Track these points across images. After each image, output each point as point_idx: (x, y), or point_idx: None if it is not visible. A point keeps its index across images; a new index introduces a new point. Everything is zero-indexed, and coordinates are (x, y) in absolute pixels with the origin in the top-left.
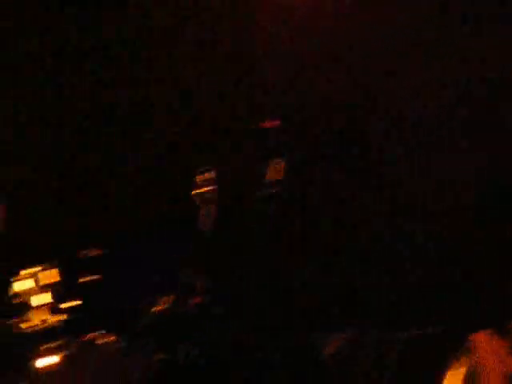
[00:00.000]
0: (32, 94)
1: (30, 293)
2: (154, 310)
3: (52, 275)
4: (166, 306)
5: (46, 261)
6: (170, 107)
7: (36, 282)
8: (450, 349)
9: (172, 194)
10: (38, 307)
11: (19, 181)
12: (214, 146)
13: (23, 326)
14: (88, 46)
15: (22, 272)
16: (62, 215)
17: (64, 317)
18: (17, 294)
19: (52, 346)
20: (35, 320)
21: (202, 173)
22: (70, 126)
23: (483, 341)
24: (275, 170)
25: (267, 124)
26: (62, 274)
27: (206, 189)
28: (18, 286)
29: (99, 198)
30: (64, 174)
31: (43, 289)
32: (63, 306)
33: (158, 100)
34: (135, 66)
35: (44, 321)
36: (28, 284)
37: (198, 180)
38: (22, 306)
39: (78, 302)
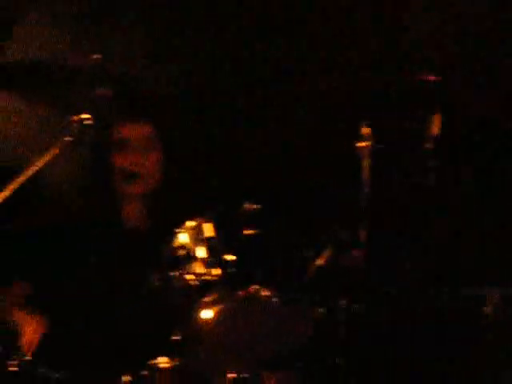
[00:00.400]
0: None
1: (190, 246)
2: (314, 263)
3: (212, 228)
4: (326, 259)
5: (205, 214)
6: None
7: (196, 235)
8: None
9: (331, 149)
10: (199, 260)
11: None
12: (374, 101)
13: (184, 278)
14: None
15: (183, 225)
16: (222, 170)
17: (224, 270)
18: (177, 247)
19: (212, 298)
20: (196, 273)
21: (362, 128)
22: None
23: None
24: (435, 126)
25: (425, 78)
26: (221, 227)
27: (366, 143)
28: (179, 239)
29: (260, 152)
30: (225, 133)
31: (203, 242)
32: (223, 258)
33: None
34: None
35: (204, 274)
36: (188, 237)
37: (357, 135)
38: (183, 259)
39: (238, 256)
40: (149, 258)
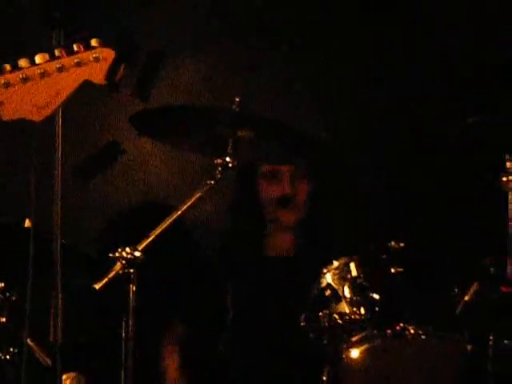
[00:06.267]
0: None
1: (336, 285)
2: (462, 299)
3: (357, 268)
4: (473, 295)
5: (351, 253)
6: None
7: (342, 274)
8: None
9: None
10: (345, 299)
11: None
12: None
13: (331, 318)
14: None
15: (329, 265)
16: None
17: (370, 309)
18: (324, 287)
19: (359, 337)
20: (342, 312)
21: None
22: None
23: None
24: None
25: None
26: (367, 266)
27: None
28: (326, 279)
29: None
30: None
31: (349, 281)
32: (370, 297)
33: None
34: None
35: (351, 313)
36: (334, 277)
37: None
38: (329, 299)
39: (384, 294)
40: (290, 287)
